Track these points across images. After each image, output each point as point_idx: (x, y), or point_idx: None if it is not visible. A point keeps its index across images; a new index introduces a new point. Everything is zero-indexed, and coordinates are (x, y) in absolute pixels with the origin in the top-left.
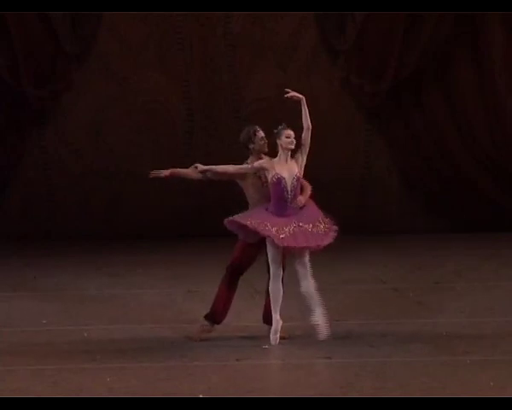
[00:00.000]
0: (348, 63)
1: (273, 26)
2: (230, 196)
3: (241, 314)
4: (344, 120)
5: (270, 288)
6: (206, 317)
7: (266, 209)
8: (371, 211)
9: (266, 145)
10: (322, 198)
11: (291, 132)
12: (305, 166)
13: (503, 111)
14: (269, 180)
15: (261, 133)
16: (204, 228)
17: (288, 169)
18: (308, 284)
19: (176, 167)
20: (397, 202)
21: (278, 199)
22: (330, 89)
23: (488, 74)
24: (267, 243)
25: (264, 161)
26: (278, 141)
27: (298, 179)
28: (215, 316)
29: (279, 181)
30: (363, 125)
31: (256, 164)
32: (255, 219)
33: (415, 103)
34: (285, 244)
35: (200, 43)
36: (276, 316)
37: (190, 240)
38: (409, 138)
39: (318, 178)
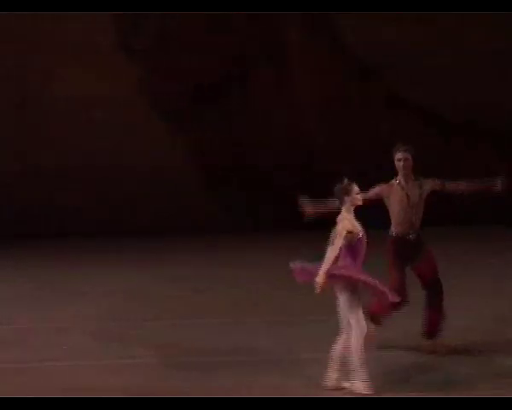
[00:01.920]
0: (146, 63)
1: (71, 25)
2: None
3: None
4: (141, 120)
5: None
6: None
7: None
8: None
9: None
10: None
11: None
12: None
13: (301, 111)
14: (354, 240)
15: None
16: None
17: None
18: (356, 343)
19: None
20: (198, 201)
21: (361, 256)
22: (127, 88)
23: (286, 75)
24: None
25: (348, 223)
26: (347, 197)
27: None
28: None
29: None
30: (163, 125)
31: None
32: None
33: (215, 105)
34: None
35: None
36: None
37: None
38: (209, 139)
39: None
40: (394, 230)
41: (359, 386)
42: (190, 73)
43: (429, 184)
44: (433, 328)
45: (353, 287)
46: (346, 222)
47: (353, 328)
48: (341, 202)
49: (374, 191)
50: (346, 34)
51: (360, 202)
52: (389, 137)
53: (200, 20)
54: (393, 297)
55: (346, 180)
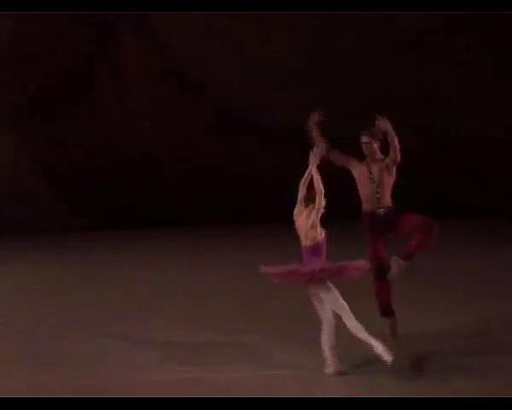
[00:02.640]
0: None
1: None
2: None
3: None
4: None
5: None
6: (383, 316)
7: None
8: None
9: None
10: None
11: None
12: None
13: (134, 115)
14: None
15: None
16: None
17: None
18: (351, 324)
19: None
20: (44, 203)
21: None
22: None
23: (125, 85)
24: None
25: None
26: (312, 205)
27: None
28: (386, 310)
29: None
30: (8, 129)
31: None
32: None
33: (61, 111)
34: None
35: None
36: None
37: None
38: (54, 143)
39: None
40: (363, 207)
41: (383, 353)
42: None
43: (387, 159)
44: (409, 250)
45: (326, 283)
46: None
47: (343, 317)
48: (306, 205)
49: (345, 158)
50: (174, 46)
51: (320, 212)
52: (219, 147)
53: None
54: (365, 264)
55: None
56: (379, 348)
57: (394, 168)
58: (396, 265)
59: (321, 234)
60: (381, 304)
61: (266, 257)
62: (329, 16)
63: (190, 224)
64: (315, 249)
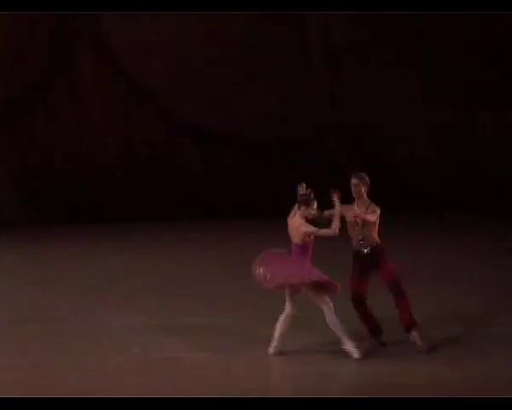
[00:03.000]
0: None
1: None
2: None
3: None
4: None
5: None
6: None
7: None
8: None
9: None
10: None
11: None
12: None
13: (92, 127)
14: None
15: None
16: None
17: None
18: (330, 318)
19: None
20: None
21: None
22: None
23: (82, 99)
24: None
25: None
26: (304, 207)
27: None
28: (372, 332)
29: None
30: None
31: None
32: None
33: (18, 115)
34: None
35: None
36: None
37: None
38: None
39: None
40: (352, 245)
41: (351, 350)
42: None
43: (372, 205)
44: (405, 323)
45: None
46: (304, 227)
47: (324, 310)
48: (298, 207)
49: (340, 209)
50: (124, 56)
51: (310, 217)
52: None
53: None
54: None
55: (309, 191)
56: (348, 344)
57: (378, 212)
58: (414, 339)
59: (309, 237)
60: (367, 328)
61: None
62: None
63: (140, 220)
64: (302, 249)
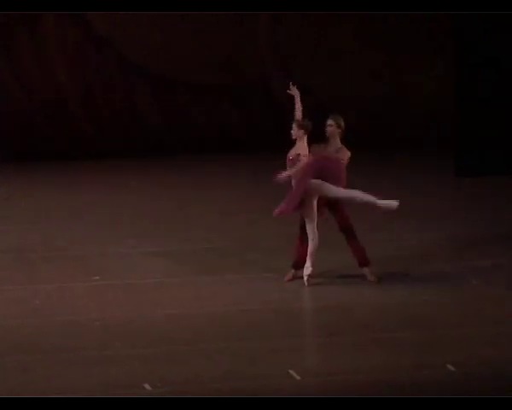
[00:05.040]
0: None
1: None
2: None
3: None
4: None
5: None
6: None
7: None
8: None
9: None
10: None
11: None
12: None
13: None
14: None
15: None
16: None
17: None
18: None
19: None
20: None
21: None
22: None
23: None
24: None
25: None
26: (301, 131)
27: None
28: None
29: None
30: None
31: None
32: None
33: None
34: None
35: None
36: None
37: None
38: None
39: None
40: None
41: (305, 273)
42: None
43: (344, 149)
44: (358, 259)
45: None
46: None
47: (309, 236)
48: (296, 134)
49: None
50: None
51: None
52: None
53: None
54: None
55: (306, 120)
56: (308, 269)
57: (347, 156)
58: (366, 276)
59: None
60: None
61: None
62: None
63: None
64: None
